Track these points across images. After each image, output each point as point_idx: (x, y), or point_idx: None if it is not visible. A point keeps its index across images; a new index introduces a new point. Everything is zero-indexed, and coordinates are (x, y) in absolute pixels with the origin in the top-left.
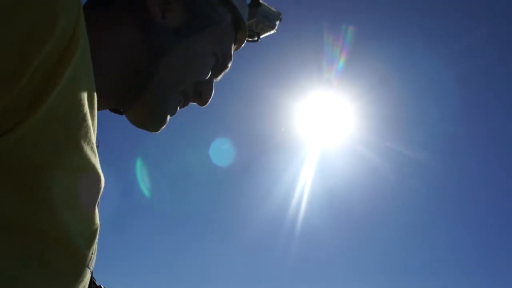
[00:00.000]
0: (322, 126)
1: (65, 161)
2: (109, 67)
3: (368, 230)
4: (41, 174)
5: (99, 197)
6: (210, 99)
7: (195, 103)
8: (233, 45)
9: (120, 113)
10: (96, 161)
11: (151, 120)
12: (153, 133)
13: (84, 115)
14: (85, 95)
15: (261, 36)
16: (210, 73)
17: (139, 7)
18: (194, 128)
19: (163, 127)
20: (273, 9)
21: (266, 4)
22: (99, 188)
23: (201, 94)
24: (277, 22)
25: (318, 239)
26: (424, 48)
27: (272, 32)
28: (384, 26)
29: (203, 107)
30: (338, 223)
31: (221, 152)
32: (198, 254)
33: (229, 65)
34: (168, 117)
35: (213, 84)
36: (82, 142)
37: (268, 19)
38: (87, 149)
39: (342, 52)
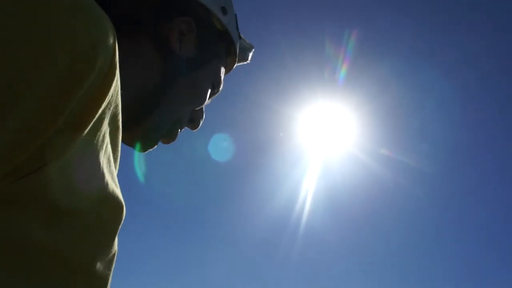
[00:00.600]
0: (324, 133)
1: (91, 193)
2: (127, 89)
3: (371, 234)
4: (66, 205)
5: (120, 225)
6: (201, 124)
7: (188, 127)
8: (224, 72)
9: None
10: (118, 191)
11: (143, 141)
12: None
13: (110, 149)
14: (114, 124)
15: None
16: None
17: (160, 35)
18: (196, 133)
19: (151, 149)
20: (247, 42)
21: (243, 37)
22: (121, 217)
23: (194, 120)
24: (250, 54)
25: (321, 242)
26: (426, 58)
27: (245, 63)
28: (386, 35)
29: (194, 131)
30: (342, 227)
31: (223, 153)
32: (198, 254)
33: (220, 91)
34: (159, 141)
35: (203, 108)
36: (107, 175)
37: (243, 52)
38: (111, 181)
39: (344, 60)
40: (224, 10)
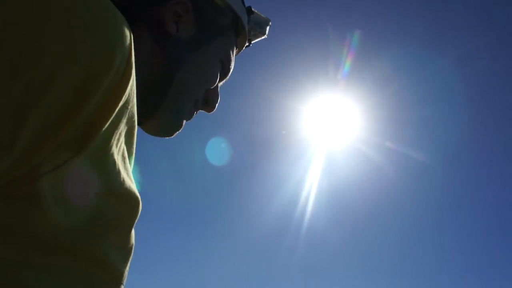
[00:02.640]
0: (328, 128)
1: (108, 189)
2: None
3: (375, 231)
4: (87, 199)
5: (137, 218)
6: (216, 106)
7: (203, 110)
8: (235, 50)
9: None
10: (134, 187)
11: (168, 126)
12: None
13: (125, 147)
14: (130, 124)
15: (252, 42)
16: (217, 80)
17: (155, 21)
18: (195, 128)
19: (178, 132)
20: (262, 16)
21: (257, 11)
22: (138, 211)
23: (208, 101)
24: (267, 28)
25: (324, 238)
26: (430, 52)
27: (263, 37)
28: (390, 30)
29: (210, 113)
30: (345, 222)
31: (223, 153)
32: (200, 252)
33: (232, 69)
34: (184, 122)
35: (219, 89)
36: (122, 171)
37: (260, 26)
38: (127, 177)
39: (348, 54)
40: None
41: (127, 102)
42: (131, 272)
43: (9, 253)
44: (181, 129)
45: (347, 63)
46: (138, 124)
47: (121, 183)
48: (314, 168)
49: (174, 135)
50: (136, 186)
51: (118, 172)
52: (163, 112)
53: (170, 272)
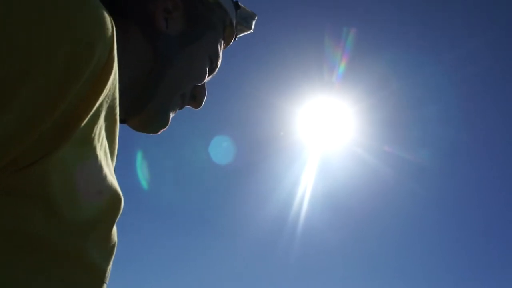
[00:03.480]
0: (323, 130)
1: (90, 185)
2: (123, 74)
3: (370, 232)
4: (66, 198)
5: (119, 216)
6: (203, 102)
7: (190, 106)
8: (222, 45)
9: (122, 121)
10: (116, 183)
11: (154, 123)
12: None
13: (107, 143)
14: (111, 118)
15: (238, 36)
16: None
17: (144, 18)
18: (195, 128)
19: (165, 129)
20: (249, 10)
21: (243, 6)
22: (120, 209)
23: (196, 97)
24: (253, 22)
25: (320, 240)
26: (425, 54)
27: (249, 32)
28: (385, 31)
29: (197, 109)
30: (341, 224)
31: (221, 151)
32: (197, 253)
33: (219, 65)
34: (171, 117)
35: (206, 86)
36: (105, 167)
37: (246, 20)
38: (108, 173)
39: (343, 56)
40: None
41: (107, 97)
42: (132, 270)
43: None
44: (168, 125)
45: (342, 65)
46: (124, 120)
47: (103, 179)
48: (309, 170)
49: (160, 132)
50: (143, 185)
51: (100, 168)
52: (152, 108)
53: (167, 271)
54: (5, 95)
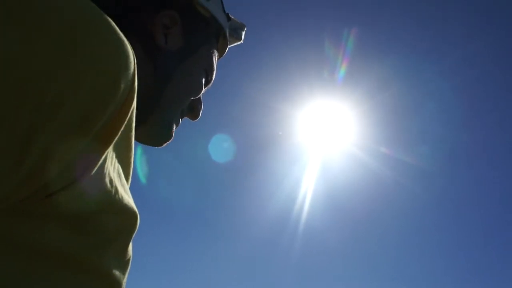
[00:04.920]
0: (324, 131)
1: (109, 206)
2: None
3: (371, 232)
4: (91, 218)
5: (135, 233)
6: (200, 113)
7: (188, 118)
8: (216, 58)
9: None
10: (131, 202)
11: (159, 136)
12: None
13: (121, 163)
14: (126, 142)
15: (228, 47)
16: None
17: (145, 34)
18: (195, 128)
19: (169, 142)
20: (238, 21)
21: (233, 17)
22: (136, 225)
23: (193, 109)
24: (243, 33)
25: (321, 241)
26: (425, 56)
27: (238, 43)
28: (385, 33)
29: (194, 121)
30: (341, 225)
31: (223, 153)
32: (197, 253)
33: (214, 77)
34: (174, 131)
35: (201, 97)
36: (120, 188)
37: (235, 31)
38: (124, 193)
39: (343, 58)
40: None
41: (128, 124)
42: (133, 269)
43: (12, 265)
44: (172, 139)
45: (343, 68)
46: None
47: (120, 200)
48: (311, 171)
49: (164, 145)
50: (141, 179)
51: (116, 190)
52: (152, 123)
53: (167, 271)
54: (36, 125)
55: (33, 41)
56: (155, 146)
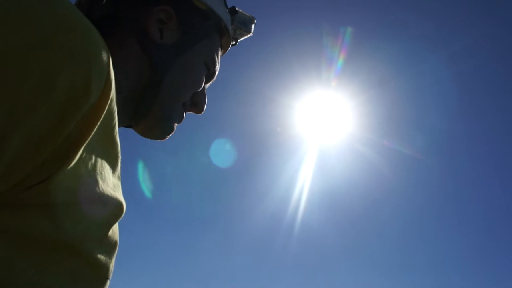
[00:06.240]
0: (321, 125)
1: (88, 197)
2: (123, 86)
3: (368, 229)
4: (73, 208)
5: (120, 219)
6: (205, 107)
7: (192, 112)
8: (219, 52)
9: (129, 126)
10: (116, 193)
11: (159, 130)
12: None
13: (108, 159)
14: (111, 136)
15: (239, 40)
16: (203, 83)
17: (140, 30)
18: (193, 128)
19: (171, 135)
20: (247, 14)
21: (241, 10)
22: (121, 214)
23: (196, 103)
24: (252, 26)
25: (318, 237)
26: (423, 48)
27: (248, 35)
28: (383, 26)
29: (199, 115)
30: (339, 219)
31: (221, 153)
32: (198, 254)
33: (217, 71)
34: (175, 124)
35: (205, 91)
36: (101, 182)
37: (245, 25)
38: (104, 186)
39: (341, 51)
40: None
41: (104, 120)
42: (133, 270)
43: (4, 251)
44: (173, 132)
45: (340, 60)
46: (131, 126)
47: (100, 191)
48: (308, 165)
49: (166, 138)
50: (147, 194)
51: (96, 182)
52: (153, 117)
53: (167, 271)
54: (11, 126)
55: (6, 42)
56: (158, 139)
